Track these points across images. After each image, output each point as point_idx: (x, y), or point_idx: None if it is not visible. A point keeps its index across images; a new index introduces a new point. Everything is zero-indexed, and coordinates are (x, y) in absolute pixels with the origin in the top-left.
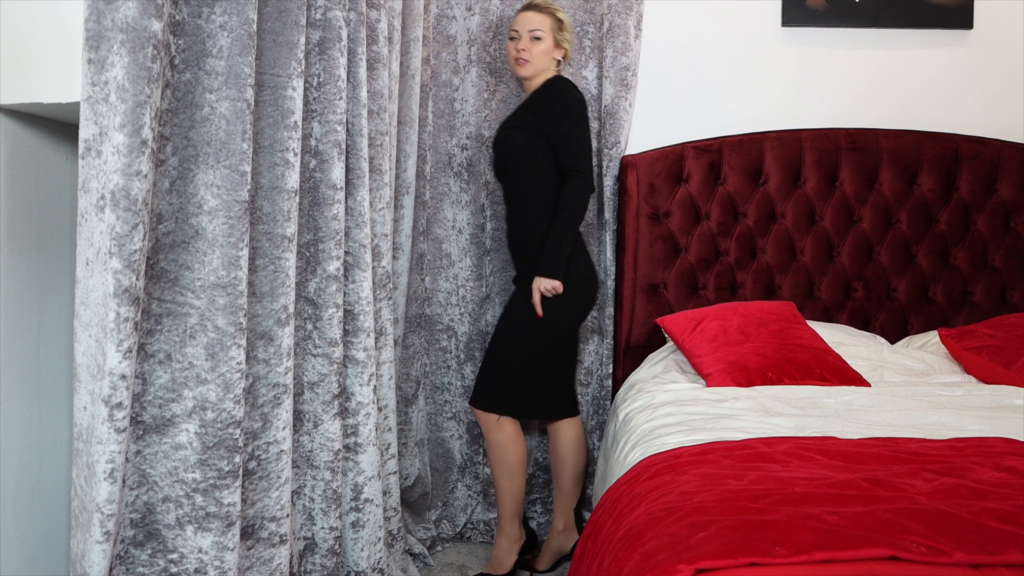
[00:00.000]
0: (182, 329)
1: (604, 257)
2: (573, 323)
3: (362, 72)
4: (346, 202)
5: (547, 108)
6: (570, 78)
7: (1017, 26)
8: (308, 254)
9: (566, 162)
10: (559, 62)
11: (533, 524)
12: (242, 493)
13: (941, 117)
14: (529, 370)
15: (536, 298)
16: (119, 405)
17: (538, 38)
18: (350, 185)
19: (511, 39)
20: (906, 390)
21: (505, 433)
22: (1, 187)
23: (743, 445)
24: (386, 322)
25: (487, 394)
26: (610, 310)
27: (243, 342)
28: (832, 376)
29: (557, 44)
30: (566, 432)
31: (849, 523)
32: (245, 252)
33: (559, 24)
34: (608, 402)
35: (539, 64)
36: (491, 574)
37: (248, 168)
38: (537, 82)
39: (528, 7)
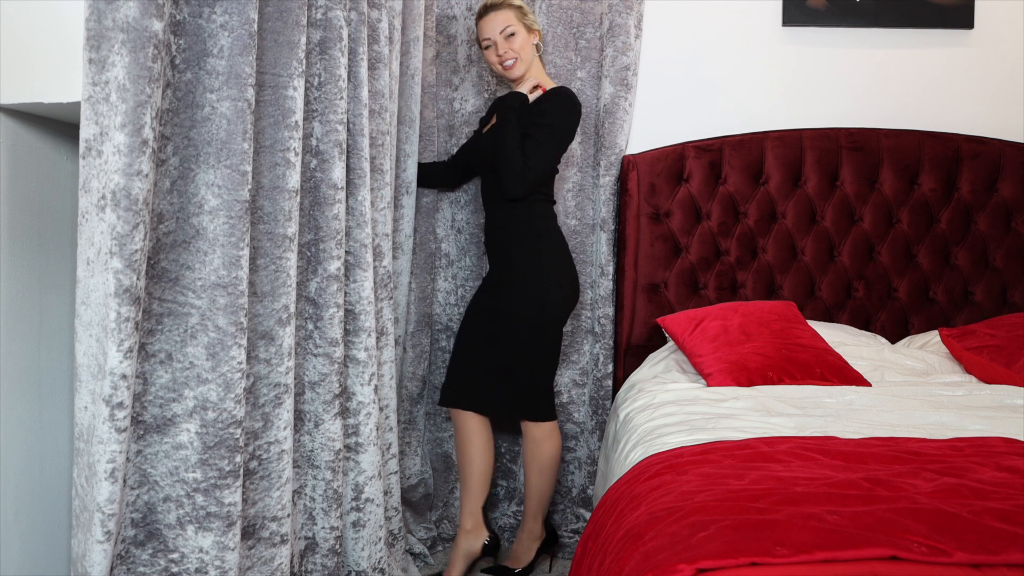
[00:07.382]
0: (183, 329)
1: (600, 256)
2: (560, 317)
3: (363, 72)
4: (347, 202)
5: (539, 109)
6: (563, 79)
7: (1017, 26)
8: (309, 254)
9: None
10: (538, 46)
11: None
12: (243, 493)
13: (942, 117)
14: (547, 370)
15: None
16: (120, 405)
17: (512, 34)
18: (351, 185)
19: (486, 49)
20: (907, 390)
21: (541, 432)
22: (1, 187)
23: (744, 445)
24: (387, 322)
25: (536, 404)
26: (610, 310)
27: (244, 342)
28: (833, 376)
29: (529, 29)
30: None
31: (850, 523)
32: (246, 252)
33: (521, 11)
34: (608, 402)
35: (526, 56)
36: (507, 567)
37: (249, 168)
38: (534, 80)
39: (484, 12)
